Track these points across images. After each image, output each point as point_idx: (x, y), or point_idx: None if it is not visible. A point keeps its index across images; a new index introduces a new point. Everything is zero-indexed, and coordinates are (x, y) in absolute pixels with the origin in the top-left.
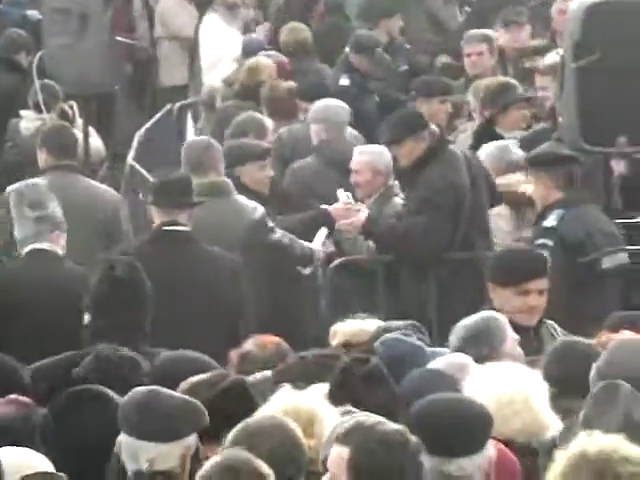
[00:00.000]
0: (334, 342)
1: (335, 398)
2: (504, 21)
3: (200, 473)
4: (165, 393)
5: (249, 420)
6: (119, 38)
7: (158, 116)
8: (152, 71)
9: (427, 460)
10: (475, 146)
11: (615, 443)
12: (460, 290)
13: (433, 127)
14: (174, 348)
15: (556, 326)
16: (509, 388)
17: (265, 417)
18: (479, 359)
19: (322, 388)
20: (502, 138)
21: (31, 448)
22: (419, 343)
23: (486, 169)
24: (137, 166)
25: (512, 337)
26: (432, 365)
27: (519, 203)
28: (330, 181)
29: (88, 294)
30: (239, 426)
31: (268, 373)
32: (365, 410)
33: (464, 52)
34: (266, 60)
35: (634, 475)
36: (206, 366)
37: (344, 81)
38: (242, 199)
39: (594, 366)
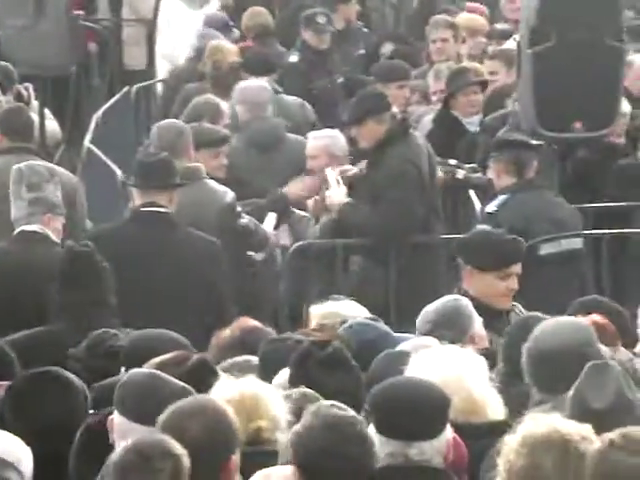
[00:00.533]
0: (310, 325)
1: (294, 381)
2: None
3: (111, 458)
4: (165, 379)
5: (178, 403)
6: (81, 21)
7: (115, 98)
8: (115, 53)
9: (388, 444)
10: (436, 130)
11: (568, 423)
12: (419, 274)
13: (396, 110)
14: (151, 328)
15: (522, 308)
16: (443, 370)
17: (193, 399)
18: (448, 342)
19: (284, 373)
20: (460, 122)
21: None
22: (386, 328)
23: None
24: (94, 149)
25: (479, 320)
26: (399, 347)
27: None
28: (251, 161)
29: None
30: (167, 410)
31: (250, 357)
32: (324, 393)
33: (429, 38)
34: (229, 45)
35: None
36: (177, 345)
37: (293, 57)
38: (213, 183)
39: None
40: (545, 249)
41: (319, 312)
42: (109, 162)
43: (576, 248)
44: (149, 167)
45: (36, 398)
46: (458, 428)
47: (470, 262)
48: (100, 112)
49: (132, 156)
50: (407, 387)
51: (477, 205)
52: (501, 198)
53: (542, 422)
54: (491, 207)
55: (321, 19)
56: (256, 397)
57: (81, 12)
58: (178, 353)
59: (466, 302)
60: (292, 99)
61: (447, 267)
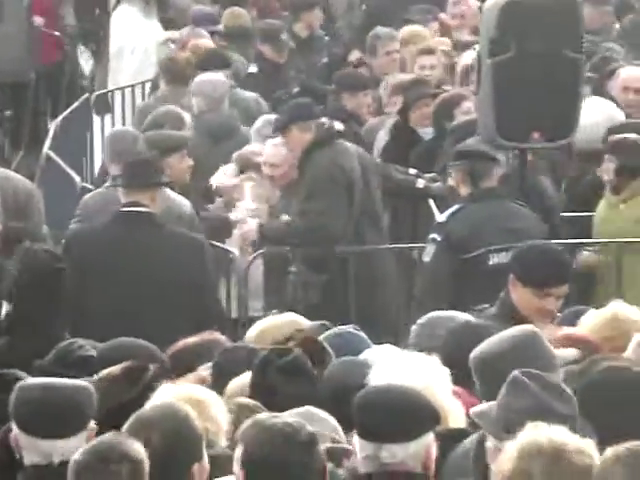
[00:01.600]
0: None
1: (254, 389)
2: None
3: (74, 458)
4: (58, 387)
5: (142, 409)
6: (42, 28)
7: (74, 106)
8: (74, 61)
9: (363, 447)
10: (392, 141)
11: (565, 434)
12: (355, 284)
13: (324, 120)
14: (135, 331)
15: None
16: (409, 377)
17: (157, 405)
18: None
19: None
20: (417, 133)
21: None
22: (364, 336)
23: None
24: (53, 155)
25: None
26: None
27: None
28: (205, 151)
29: (9, 280)
30: (132, 417)
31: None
32: (284, 401)
33: (380, 50)
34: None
35: (587, 467)
36: (148, 354)
37: (252, 69)
38: (170, 192)
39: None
40: (494, 259)
41: (271, 323)
42: (68, 169)
43: None
44: (131, 167)
45: None
46: None
47: (514, 271)
48: (59, 119)
49: (90, 163)
50: (384, 392)
51: (437, 214)
52: (454, 208)
53: (541, 430)
54: (442, 216)
55: (283, 36)
56: (203, 401)
57: (42, 18)
58: (129, 365)
59: (458, 316)
60: (247, 93)
61: (399, 277)
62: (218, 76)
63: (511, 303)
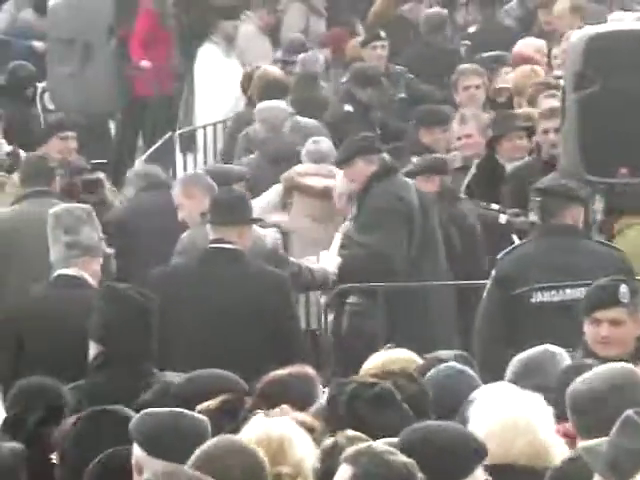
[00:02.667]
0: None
1: (341, 421)
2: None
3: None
4: (185, 413)
5: (211, 442)
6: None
7: (159, 143)
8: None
9: None
10: (478, 174)
11: None
12: (408, 319)
13: (384, 155)
14: (222, 366)
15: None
16: (511, 411)
17: (224, 439)
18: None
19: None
20: (503, 168)
21: None
22: (472, 373)
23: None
24: None
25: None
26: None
27: None
28: (268, 176)
29: (97, 321)
30: (201, 449)
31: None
32: (372, 433)
33: (461, 84)
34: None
35: None
36: (234, 386)
37: (348, 107)
38: (256, 228)
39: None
40: (538, 297)
41: (386, 358)
42: None
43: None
44: (219, 203)
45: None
46: (518, 471)
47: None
48: (144, 157)
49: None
50: (431, 430)
51: None
52: (515, 244)
53: None
54: (502, 253)
55: (383, 81)
56: (282, 440)
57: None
58: (226, 398)
59: (557, 352)
60: (310, 121)
61: (456, 313)
62: (278, 103)
63: (585, 340)
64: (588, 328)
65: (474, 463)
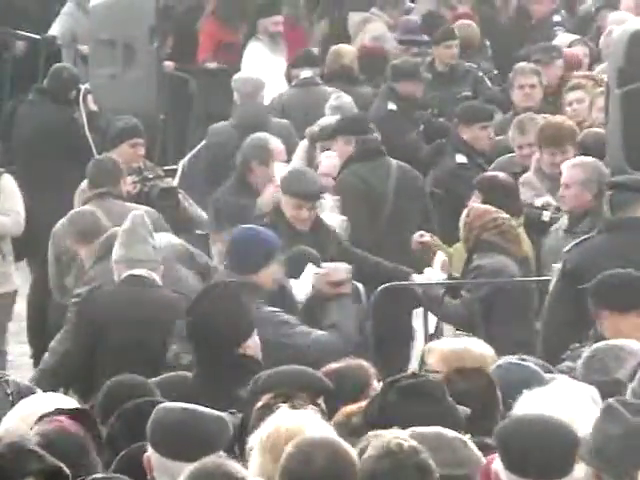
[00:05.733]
0: (430, 361)
1: (369, 411)
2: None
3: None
4: (200, 413)
5: (300, 438)
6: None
7: (200, 146)
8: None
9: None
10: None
11: None
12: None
13: (370, 137)
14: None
15: None
16: (552, 409)
17: (310, 435)
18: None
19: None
20: None
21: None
22: (536, 368)
23: None
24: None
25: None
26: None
27: None
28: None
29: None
30: (292, 442)
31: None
32: (398, 422)
33: (516, 83)
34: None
35: None
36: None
37: (391, 105)
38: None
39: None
40: None
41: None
42: (196, 207)
43: None
44: None
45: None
46: None
47: (610, 304)
48: (186, 159)
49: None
50: (537, 424)
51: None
52: (582, 237)
53: None
54: (568, 246)
55: (422, 70)
56: (301, 432)
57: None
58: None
59: (618, 345)
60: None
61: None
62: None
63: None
64: (636, 321)
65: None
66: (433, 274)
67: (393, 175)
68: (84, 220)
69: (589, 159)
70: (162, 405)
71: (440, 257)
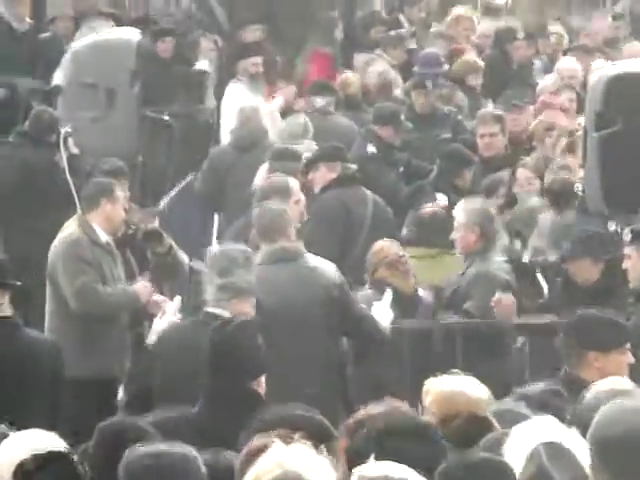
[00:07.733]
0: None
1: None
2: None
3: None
4: (168, 454)
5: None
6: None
7: (181, 186)
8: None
9: None
10: None
11: None
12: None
13: (350, 165)
14: None
15: None
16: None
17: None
18: None
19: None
20: None
21: None
22: (526, 412)
23: None
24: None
25: None
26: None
27: None
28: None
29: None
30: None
31: None
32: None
33: (478, 132)
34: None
35: None
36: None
37: (371, 148)
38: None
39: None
40: None
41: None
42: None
43: None
44: None
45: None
46: None
47: (593, 345)
48: (167, 199)
49: (198, 243)
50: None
51: (544, 286)
52: None
53: None
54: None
55: (403, 121)
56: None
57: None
58: None
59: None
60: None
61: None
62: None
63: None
64: (618, 359)
65: None
66: (380, 309)
67: (370, 203)
68: None
69: (475, 201)
70: (131, 449)
71: (389, 294)
